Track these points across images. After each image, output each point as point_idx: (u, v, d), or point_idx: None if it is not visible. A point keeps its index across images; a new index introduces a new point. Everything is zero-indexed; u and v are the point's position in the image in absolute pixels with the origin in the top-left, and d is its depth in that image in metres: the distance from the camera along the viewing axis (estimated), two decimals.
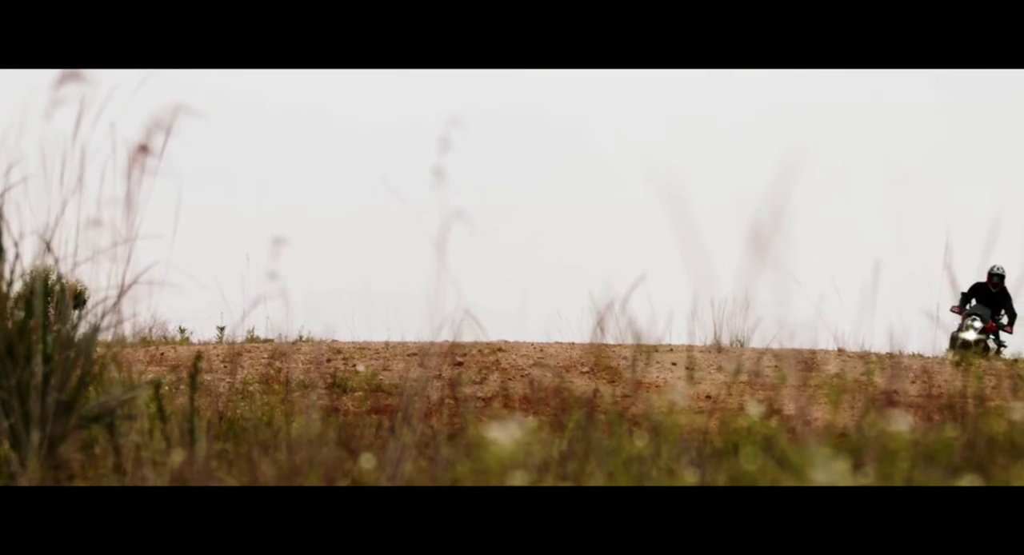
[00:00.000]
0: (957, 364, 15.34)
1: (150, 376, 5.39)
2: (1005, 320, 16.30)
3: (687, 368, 10.16)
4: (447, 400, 6.24)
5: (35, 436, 3.96)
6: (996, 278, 16.48)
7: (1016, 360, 11.56)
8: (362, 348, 10.86)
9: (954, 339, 16.22)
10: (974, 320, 16.20)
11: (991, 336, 16.22)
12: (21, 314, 4.10)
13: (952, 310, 16.29)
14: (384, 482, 3.81)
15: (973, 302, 16.43)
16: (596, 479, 3.77)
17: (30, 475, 3.88)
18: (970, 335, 16.08)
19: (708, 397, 8.99)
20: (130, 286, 4.23)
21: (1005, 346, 16.15)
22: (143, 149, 4.16)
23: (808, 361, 10.15)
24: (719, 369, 10.16)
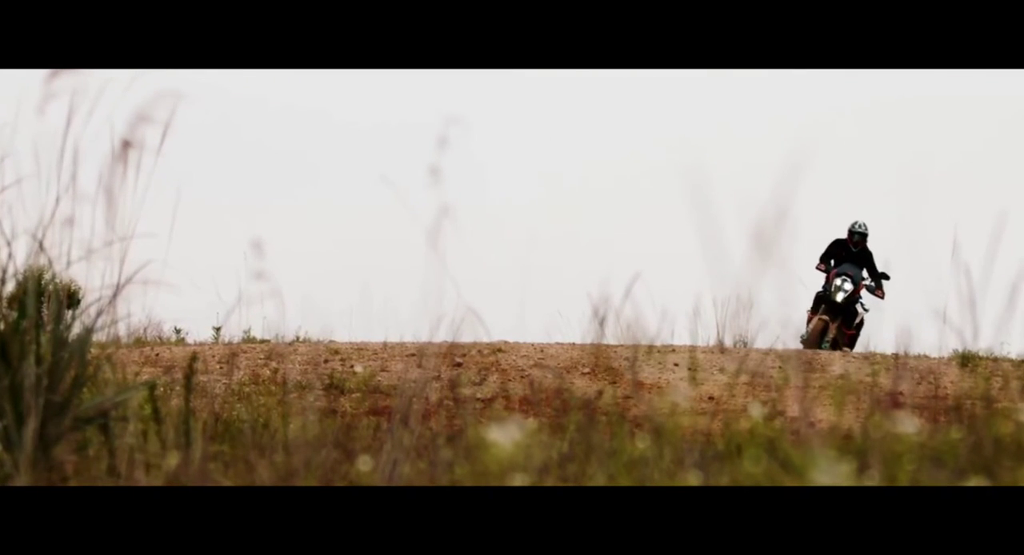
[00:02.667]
0: (823, 331, 14.71)
1: (145, 377, 5.35)
2: (872, 283, 15.04)
3: (689, 369, 10.11)
4: (446, 401, 6.19)
5: (28, 438, 3.92)
6: (857, 236, 15.08)
7: (1023, 361, 11.50)
8: (360, 349, 10.81)
9: (819, 299, 14.96)
10: (844, 281, 14.94)
11: (858, 299, 15.03)
12: (14, 314, 4.05)
13: (818, 268, 15.08)
14: (382, 485, 3.77)
15: (832, 262, 15.14)
16: (597, 481, 3.73)
17: (23, 477, 3.84)
18: (839, 297, 14.84)
19: (711, 398, 8.95)
20: (125, 286, 4.19)
21: (867, 311, 14.99)
22: (140, 147, 4.12)
23: (812, 362, 10.11)
24: (722, 370, 10.11)
